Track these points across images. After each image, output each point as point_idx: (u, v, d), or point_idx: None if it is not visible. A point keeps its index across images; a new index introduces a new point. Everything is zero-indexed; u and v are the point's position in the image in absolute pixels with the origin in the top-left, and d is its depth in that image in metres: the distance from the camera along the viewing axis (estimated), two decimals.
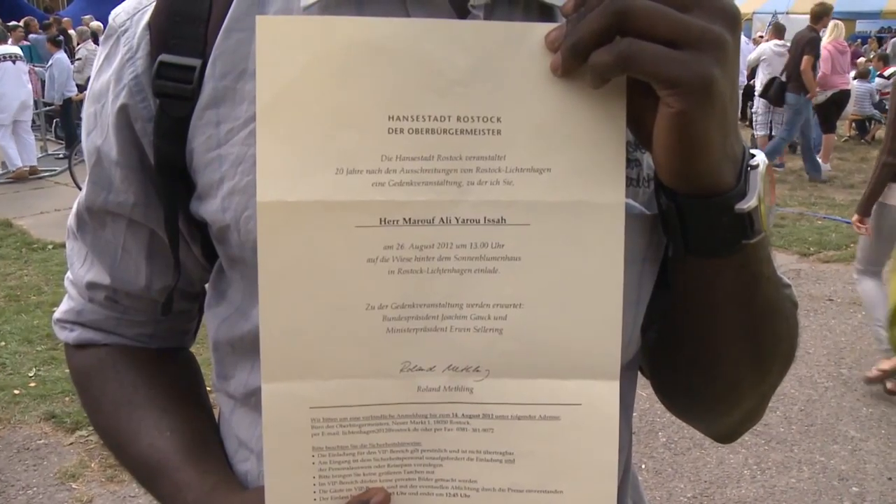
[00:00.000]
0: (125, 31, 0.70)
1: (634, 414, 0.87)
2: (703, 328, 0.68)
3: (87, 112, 0.74)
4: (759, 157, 0.60)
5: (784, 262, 6.48)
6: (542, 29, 0.56)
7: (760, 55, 10.48)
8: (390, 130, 0.56)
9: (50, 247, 6.61)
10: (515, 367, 0.58)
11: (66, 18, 14.74)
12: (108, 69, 0.71)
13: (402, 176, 0.56)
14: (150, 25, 0.68)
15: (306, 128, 0.56)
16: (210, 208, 0.67)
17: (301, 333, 0.57)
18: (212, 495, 0.68)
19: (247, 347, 0.70)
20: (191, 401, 0.81)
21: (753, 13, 27.67)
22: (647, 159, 0.66)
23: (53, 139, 11.32)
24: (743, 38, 12.21)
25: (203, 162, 0.67)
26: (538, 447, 0.59)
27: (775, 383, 0.76)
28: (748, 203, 0.57)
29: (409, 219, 0.56)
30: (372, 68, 0.55)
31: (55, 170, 9.60)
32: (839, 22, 10.92)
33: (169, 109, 0.67)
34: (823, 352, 4.71)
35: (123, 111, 0.70)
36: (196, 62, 0.66)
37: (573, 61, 0.54)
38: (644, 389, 0.82)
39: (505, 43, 0.56)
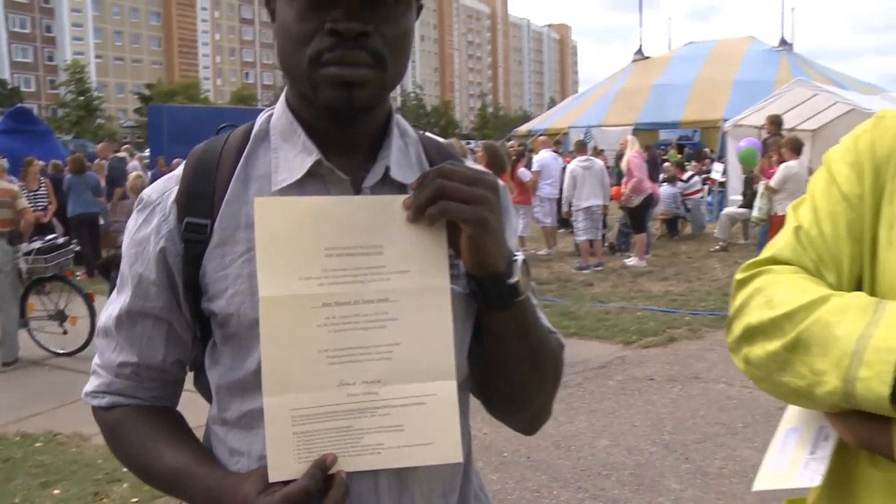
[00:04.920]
0: (158, 203, 1.19)
1: None
2: (501, 355, 1.19)
3: (128, 253, 1.20)
4: (520, 255, 1.14)
5: (610, 352, 7.27)
6: (401, 198, 1.09)
7: (571, 172, 11.53)
8: (326, 255, 1.06)
9: None
10: (399, 377, 1.07)
11: None
12: (147, 227, 1.18)
13: (333, 279, 1.06)
14: (177, 201, 1.17)
15: (284, 256, 1.05)
16: (219, 304, 1.14)
17: (284, 367, 1.04)
18: (225, 478, 1.11)
19: (239, 388, 1.15)
20: (190, 435, 1.24)
21: (569, 127, 30.14)
22: (461, 263, 1.18)
23: None
24: (553, 154, 13.54)
25: (214, 279, 1.14)
26: (416, 421, 1.08)
27: (552, 393, 1.28)
28: (513, 279, 1.11)
29: (338, 302, 1.06)
30: (316, 222, 1.06)
31: None
32: (632, 137, 12.42)
33: (191, 249, 1.15)
34: (648, 423, 5.39)
35: (163, 251, 1.17)
36: (207, 221, 1.15)
37: (418, 214, 1.06)
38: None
39: (382, 206, 1.09)
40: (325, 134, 1.16)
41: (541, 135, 18.32)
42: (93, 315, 7.48)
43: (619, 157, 13.29)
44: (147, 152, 23.43)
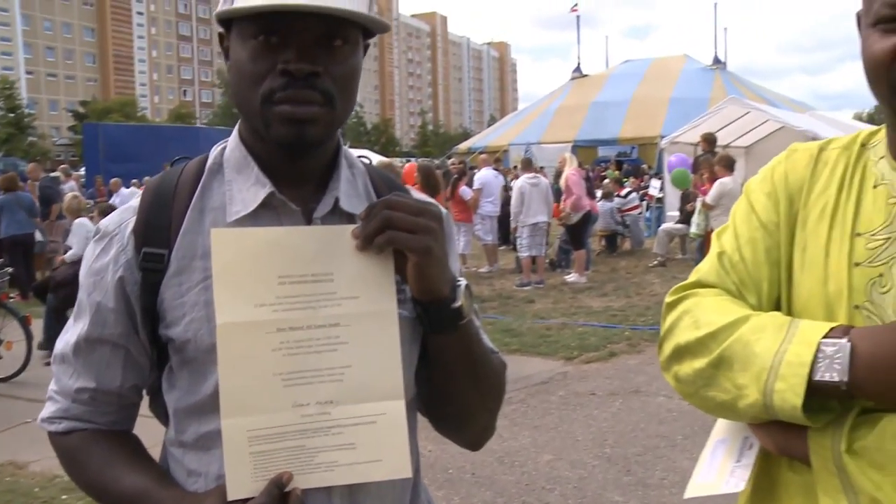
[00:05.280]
0: (115, 234, 1.22)
1: None
2: (445, 375, 1.26)
3: (86, 282, 1.23)
4: (463, 281, 1.21)
5: (552, 368, 7.37)
6: (350, 228, 1.15)
7: (520, 188, 11.64)
8: (280, 283, 1.11)
9: None
10: (351, 398, 1.13)
11: None
12: (105, 256, 1.22)
13: (286, 305, 1.11)
14: (134, 231, 1.21)
15: (239, 284, 1.10)
16: (176, 331, 1.17)
17: (241, 390, 1.09)
18: (184, 499, 1.15)
19: (196, 410, 1.19)
20: (148, 457, 1.27)
21: (509, 144, 30.50)
22: (407, 289, 1.24)
23: None
24: (494, 172, 13.69)
25: (172, 306, 1.18)
26: (367, 438, 1.13)
27: (495, 410, 1.35)
28: (457, 303, 1.17)
29: (292, 327, 1.11)
30: (270, 252, 1.11)
31: None
32: (570, 154, 12.65)
33: (149, 278, 1.19)
34: (590, 437, 5.50)
35: (121, 280, 1.21)
36: (165, 251, 1.19)
37: (367, 243, 1.12)
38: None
39: (333, 236, 1.14)
40: (276, 167, 1.21)
41: (481, 152, 18.49)
42: (29, 339, 7.32)
43: (558, 174, 13.50)
44: (83, 171, 23.04)
